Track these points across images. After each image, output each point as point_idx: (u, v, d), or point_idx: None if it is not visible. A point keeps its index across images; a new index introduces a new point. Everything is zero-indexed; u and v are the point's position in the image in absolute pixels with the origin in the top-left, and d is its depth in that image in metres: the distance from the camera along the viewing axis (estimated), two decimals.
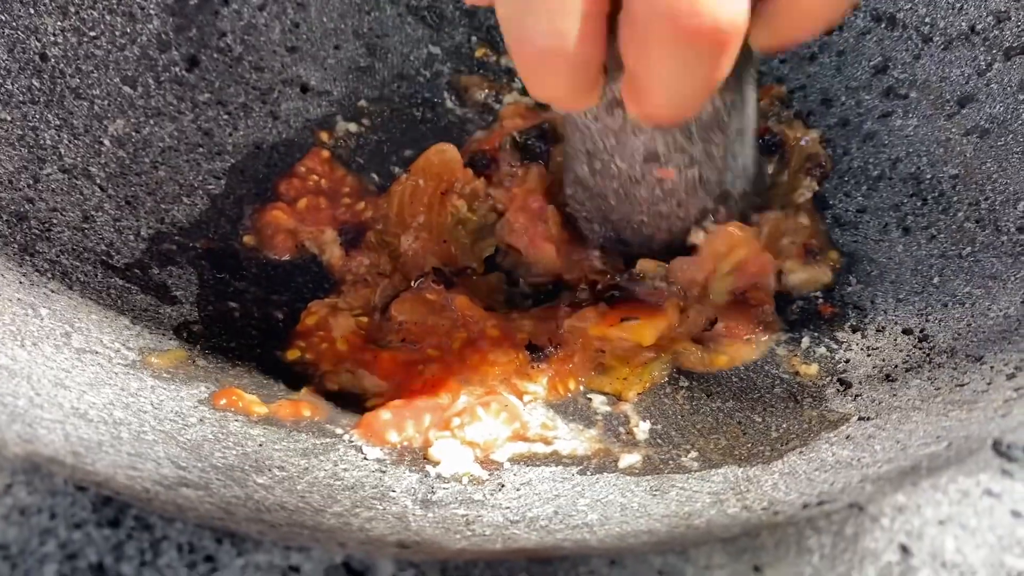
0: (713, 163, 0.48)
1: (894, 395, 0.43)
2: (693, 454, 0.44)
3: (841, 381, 0.46)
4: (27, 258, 0.46)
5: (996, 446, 0.29)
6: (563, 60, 0.35)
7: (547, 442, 0.45)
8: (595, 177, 0.50)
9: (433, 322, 0.51)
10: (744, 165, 0.50)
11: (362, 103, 0.62)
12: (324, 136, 0.60)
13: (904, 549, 0.27)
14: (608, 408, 0.47)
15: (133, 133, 0.54)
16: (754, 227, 0.52)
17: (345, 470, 0.42)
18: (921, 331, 0.47)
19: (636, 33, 0.35)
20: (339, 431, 0.45)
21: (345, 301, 0.53)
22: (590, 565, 0.26)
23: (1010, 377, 0.39)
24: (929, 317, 0.47)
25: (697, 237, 0.50)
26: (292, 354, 0.50)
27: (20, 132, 0.49)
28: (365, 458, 0.43)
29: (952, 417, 0.37)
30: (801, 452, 0.41)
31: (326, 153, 0.59)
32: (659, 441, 0.45)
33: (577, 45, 0.35)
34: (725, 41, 0.34)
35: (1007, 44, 0.52)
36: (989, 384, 0.39)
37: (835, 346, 0.49)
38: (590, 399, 0.48)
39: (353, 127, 0.61)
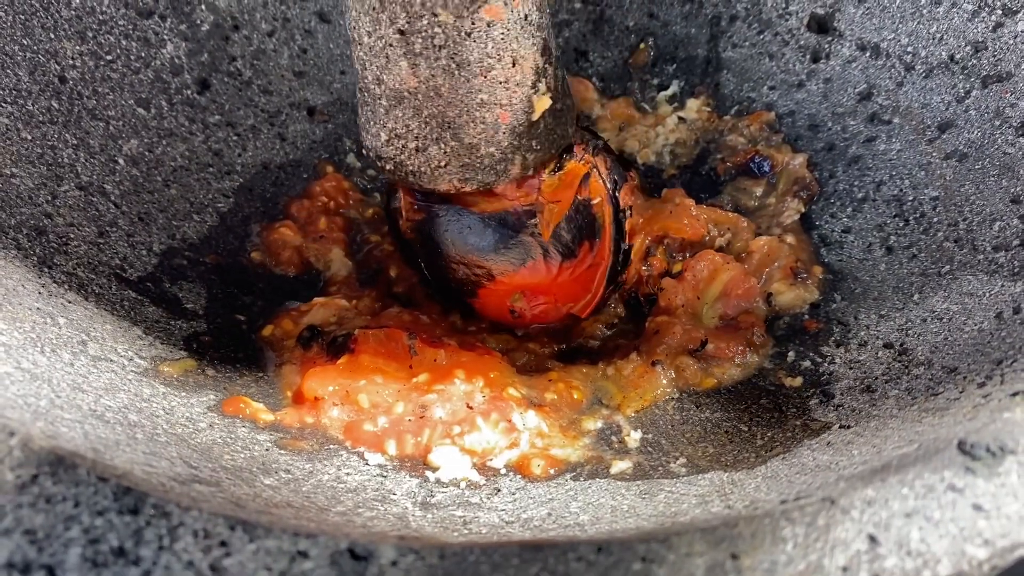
0: None
1: (873, 405, 0.45)
2: (682, 461, 0.46)
3: (824, 392, 0.48)
4: (45, 270, 0.48)
5: (960, 445, 0.31)
6: None
7: (542, 450, 0.47)
8: (419, 67, 0.45)
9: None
10: (550, 23, 0.48)
11: None
12: (330, 168, 0.63)
13: (872, 539, 0.29)
14: (603, 419, 0.49)
15: (146, 153, 0.57)
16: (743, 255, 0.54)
17: (348, 474, 0.43)
18: (901, 345, 0.49)
19: None
20: (341, 436, 0.46)
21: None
22: (578, 551, 0.28)
23: (980, 385, 0.40)
24: (909, 332, 0.49)
25: (542, 103, 0.48)
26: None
27: (39, 151, 0.52)
28: (367, 463, 0.45)
29: (925, 423, 0.39)
30: (784, 458, 0.43)
31: (345, 183, 0.62)
32: (649, 449, 0.47)
33: None
34: None
35: (984, 72, 0.55)
36: (961, 392, 0.41)
37: (819, 360, 0.51)
38: (588, 410, 0.50)
39: (356, 157, 0.64)
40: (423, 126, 0.47)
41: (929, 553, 0.28)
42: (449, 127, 0.47)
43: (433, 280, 0.55)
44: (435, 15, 0.43)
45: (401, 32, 0.44)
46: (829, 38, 0.62)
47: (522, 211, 0.51)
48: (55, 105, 0.53)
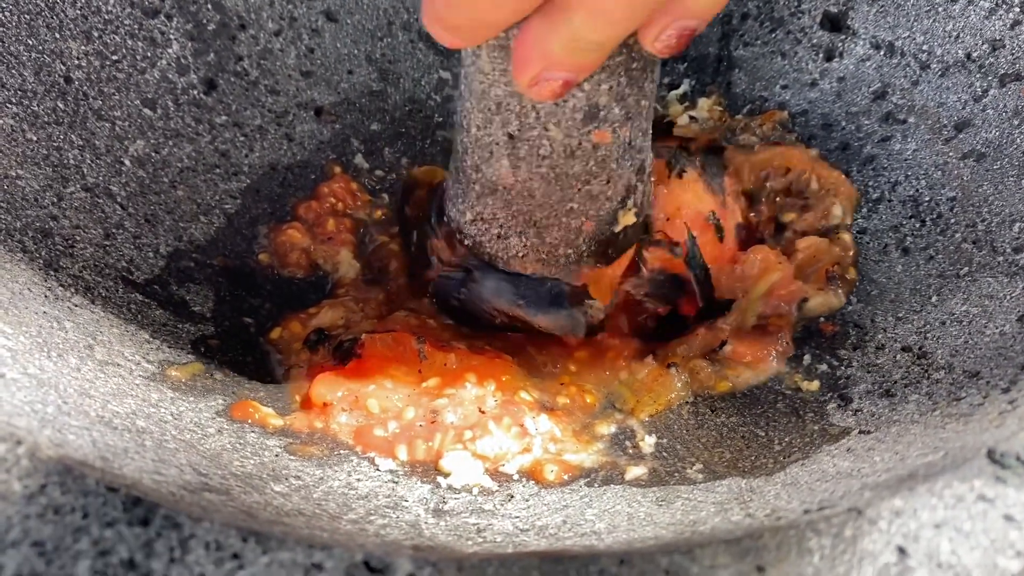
0: (641, 119, 0.47)
1: (893, 410, 0.44)
2: (698, 466, 0.45)
3: (842, 397, 0.48)
4: (51, 273, 0.47)
5: (990, 454, 0.31)
6: None
7: (555, 455, 0.46)
8: (519, 169, 0.47)
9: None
10: (650, 146, 0.50)
11: (374, 127, 0.64)
12: (337, 169, 0.62)
13: (901, 551, 0.28)
14: (616, 424, 0.48)
15: (153, 154, 0.56)
16: (788, 251, 0.53)
17: (359, 480, 0.43)
18: (920, 348, 0.48)
19: None
20: (351, 441, 0.46)
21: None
22: (600, 564, 0.28)
23: (1005, 391, 0.40)
24: (928, 335, 0.49)
25: (626, 219, 0.50)
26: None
27: (45, 152, 0.51)
28: (378, 469, 0.44)
29: (949, 429, 0.38)
30: (803, 464, 0.42)
31: (354, 184, 0.61)
32: (665, 454, 0.46)
33: None
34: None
35: (1002, 71, 0.54)
36: (985, 398, 0.40)
37: (836, 363, 0.50)
38: (601, 414, 0.49)
39: (364, 158, 0.63)
40: (510, 218, 0.49)
41: (960, 565, 0.28)
42: (535, 225, 0.49)
43: (461, 316, 0.54)
44: (546, 129, 0.45)
45: (510, 136, 0.46)
46: (843, 36, 0.61)
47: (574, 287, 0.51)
48: (60, 106, 0.53)
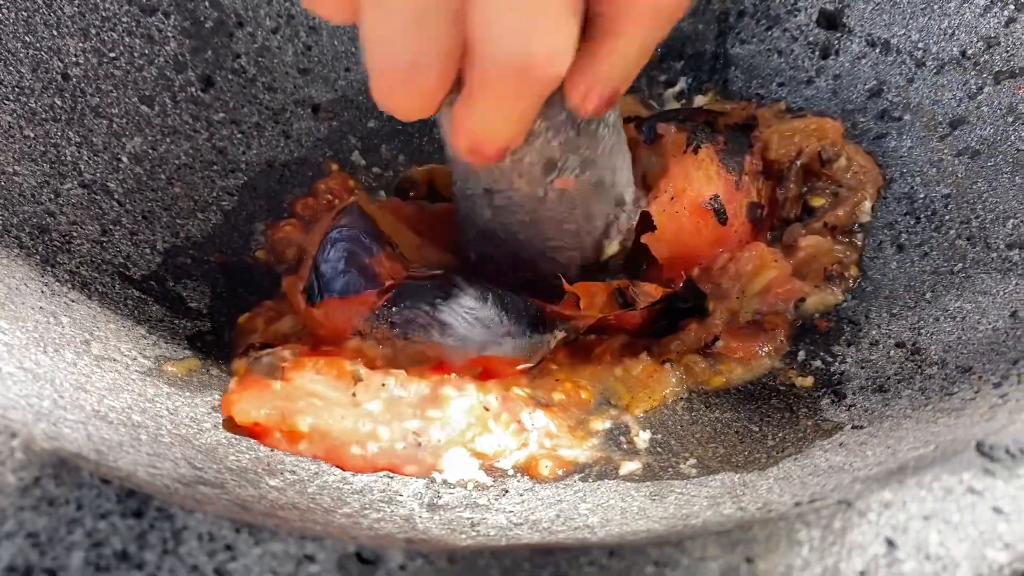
0: (606, 159, 0.49)
1: (886, 405, 0.45)
2: (692, 461, 0.45)
3: (835, 392, 0.48)
4: (48, 269, 0.47)
5: (979, 447, 0.31)
6: (421, 83, 0.39)
7: (550, 450, 0.46)
8: (500, 216, 0.50)
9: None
10: (629, 177, 0.52)
11: (371, 124, 0.64)
12: (335, 166, 0.62)
13: (890, 542, 0.28)
14: (611, 419, 0.48)
15: (150, 150, 0.56)
16: (789, 247, 0.54)
17: (354, 475, 0.43)
18: (913, 344, 0.48)
19: (473, 64, 0.38)
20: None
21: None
22: (590, 556, 0.28)
23: (996, 385, 0.40)
24: (921, 331, 0.49)
25: (611, 248, 0.52)
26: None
27: (42, 148, 0.51)
28: None
29: (940, 424, 0.38)
30: (796, 459, 0.43)
31: (350, 181, 0.61)
32: (659, 450, 0.46)
33: (434, 74, 0.38)
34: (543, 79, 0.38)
35: (997, 68, 0.54)
36: (977, 392, 0.40)
37: (830, 359, 0.50)
38: (596, 410, 0.49)
39: (361, 155, 0.63)
40: (504, 257, 0.52)
41: (948, 557, 0.28)
42: (525, 262, 0.52)
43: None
44: (512, 184, 0.48)
45: (487, 190, 0.49)
46: (838, 34, 0.61)
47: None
48: (58, 102, 0.53)
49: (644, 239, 0.52)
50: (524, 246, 0.51)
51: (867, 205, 0.56)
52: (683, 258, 0.53)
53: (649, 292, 0.52)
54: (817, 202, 0.57)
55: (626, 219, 0.52)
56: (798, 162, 0.56)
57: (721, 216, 0.53)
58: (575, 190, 0.48)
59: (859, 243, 0.55)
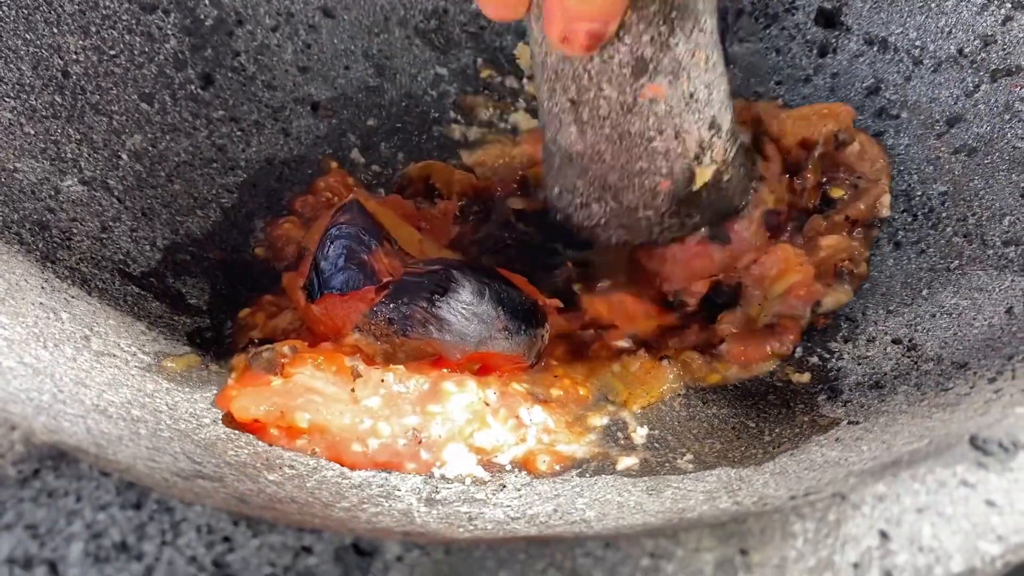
0: (700, 70, 0.48)
1: (882, 400, 0.45)
2: (689, 457, 0.45)
3: (832, 388, 0.48)
4: (48, 265, 0.47)
5: (973, 440, 0.31)
6: None
7: (548, 446, 0.47)
8: (585, 133, 0.49)
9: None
10: (726, 101, 0.50)
11: (371, 122, 0.64)
12: (334, 164, 0.62)
13: (883, 535, 0.28)
14: (609, 415, 0.49)
15: (150, 148, 0.56)
16: (808, 247, 0.53)
17: (352, 470, 0.43)
18: (910, 340, 0.49)
19: None
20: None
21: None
22: (586, 547, 0.28)
23: (991, 380, 0.40)
24: (918, 327, 0.49)
25: (704, 175, 0.50)
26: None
27: (43, 145, 0.51)
28: None
29: (935, 418, 0.39)
30: (792, 454, 0.43)
31: (350, 178, 0.61)
32: (656, 445, 0.47)
33: None
34: None
35: (993, 66, 0.54)
36: (972, 388, 0.41)
37: (827, 355, 0.50)
38: (593, 406, 0.49)
39: (360, 153, 0.63)
40: (587, 185, 0.51)
41: (941, 549, 0.28)
42: (610, 189, 0.51)
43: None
44: (601, 89, 0.46)
45: (572, 102, 0.48)
46: (836, 32, 0.62)
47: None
48: (58, 100, 0.53)
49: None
50: (609, 170, 0.50)
51: (887, 199, 0.55)
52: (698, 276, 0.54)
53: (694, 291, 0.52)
54: (837, 193, 0.56)
55: (721, 146, 0.51)
56: (815, 152, 0.56)
57: (723, 239, 0.54)
58: (666, 100, 0.47)
59: (872, 238, 0.55)
